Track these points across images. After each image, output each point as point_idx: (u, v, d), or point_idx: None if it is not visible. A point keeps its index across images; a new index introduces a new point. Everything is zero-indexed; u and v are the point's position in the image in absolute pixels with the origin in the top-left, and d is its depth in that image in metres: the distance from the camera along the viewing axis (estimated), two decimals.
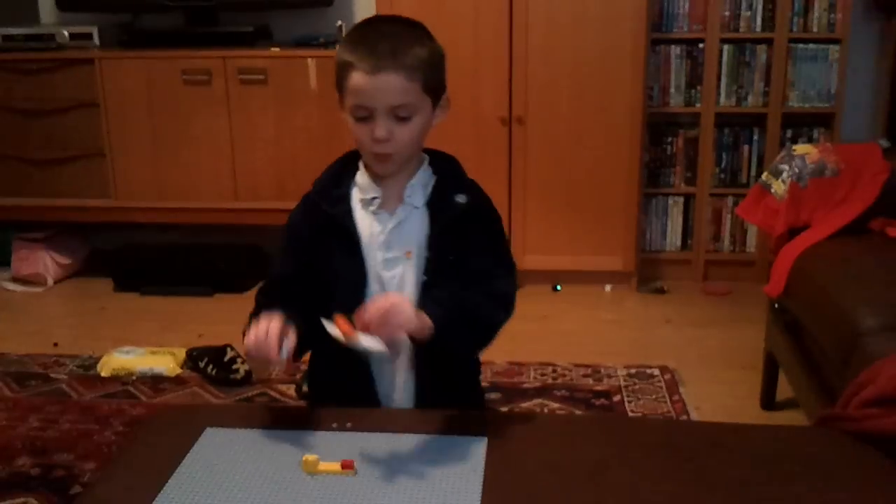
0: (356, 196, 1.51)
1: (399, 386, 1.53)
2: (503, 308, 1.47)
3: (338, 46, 1.44)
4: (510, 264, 1.53)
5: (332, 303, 1.36)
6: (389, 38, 1.40)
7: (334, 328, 1.26)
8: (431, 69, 1.43)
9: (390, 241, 1.48)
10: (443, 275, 1.46)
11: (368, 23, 1.47)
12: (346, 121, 1.44)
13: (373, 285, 1.47)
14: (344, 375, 1.50)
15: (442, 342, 1.34)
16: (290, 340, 1.35)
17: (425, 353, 1.46)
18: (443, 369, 1.51)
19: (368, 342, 1.25)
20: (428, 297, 1.33)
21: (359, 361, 1.49)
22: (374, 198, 1.49)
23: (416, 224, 1.48)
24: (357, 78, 1.39)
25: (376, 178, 1.50)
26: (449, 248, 1.46)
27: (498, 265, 1.50)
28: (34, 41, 3.58)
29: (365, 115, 1.41)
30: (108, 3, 3.76)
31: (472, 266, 1.46)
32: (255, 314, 1.54)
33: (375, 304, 1.26)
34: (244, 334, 1.37)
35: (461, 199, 1.47)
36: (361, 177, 1.51)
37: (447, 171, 1.52)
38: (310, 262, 1.49)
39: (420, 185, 1.49)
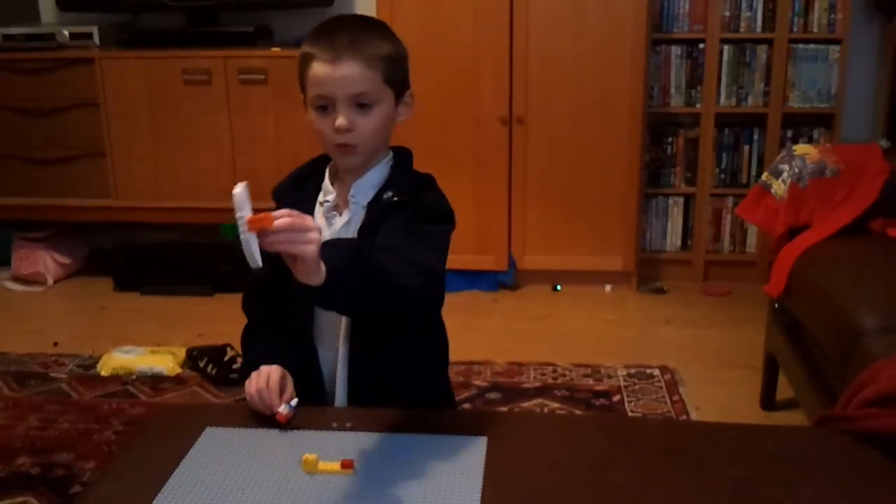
0: (320, 199, 1.52)
1: (338, 382, 1.52)
2: (413, 272, 1.31)
3: (302, 45, 1.46)
4: (434, 247, 1.40)
5: (294, 304, 1.44)
6: (349, 31, 1.42)
7: (246, 207, 1.12)
8: (392, 63, 1.44)
9: None
10: None
11: (330, 20, 1.49)
12: (310, 117, 1.45)
13: None
14: (298, 370, 1.54)
15: (335, 289, 1.19)
16: (289, 389, 1.43)
17: (358, 345, 1.48)
18: (377, 364, 1.49)
19: (252, 245, 1.12)
20: (327, 243, 1.19)
21: (309, 357, 1.53)
22: (327, 200, 1.50)
23: (358, 223, 1.47)
24: (317, 68, 1.41)
25: (338, 179, 1.50)
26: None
27: (419, 241, 1.38)
28: (34, 41, 3.58)
29: (326, 105, 1.42)
30: (108, 3, 3.76)
31: (385, 236, 1.39)
32: (248, 329, 1.59)
33: (293, 214, 1.13)
34: (245, 368, 1.46)
35: (388, 195, 1.46)
36: (325, 180, 1.52)
37: (397, 167, 1.52)
38: (276, 264, 1.47)
39: (370, 184, 1.48)
